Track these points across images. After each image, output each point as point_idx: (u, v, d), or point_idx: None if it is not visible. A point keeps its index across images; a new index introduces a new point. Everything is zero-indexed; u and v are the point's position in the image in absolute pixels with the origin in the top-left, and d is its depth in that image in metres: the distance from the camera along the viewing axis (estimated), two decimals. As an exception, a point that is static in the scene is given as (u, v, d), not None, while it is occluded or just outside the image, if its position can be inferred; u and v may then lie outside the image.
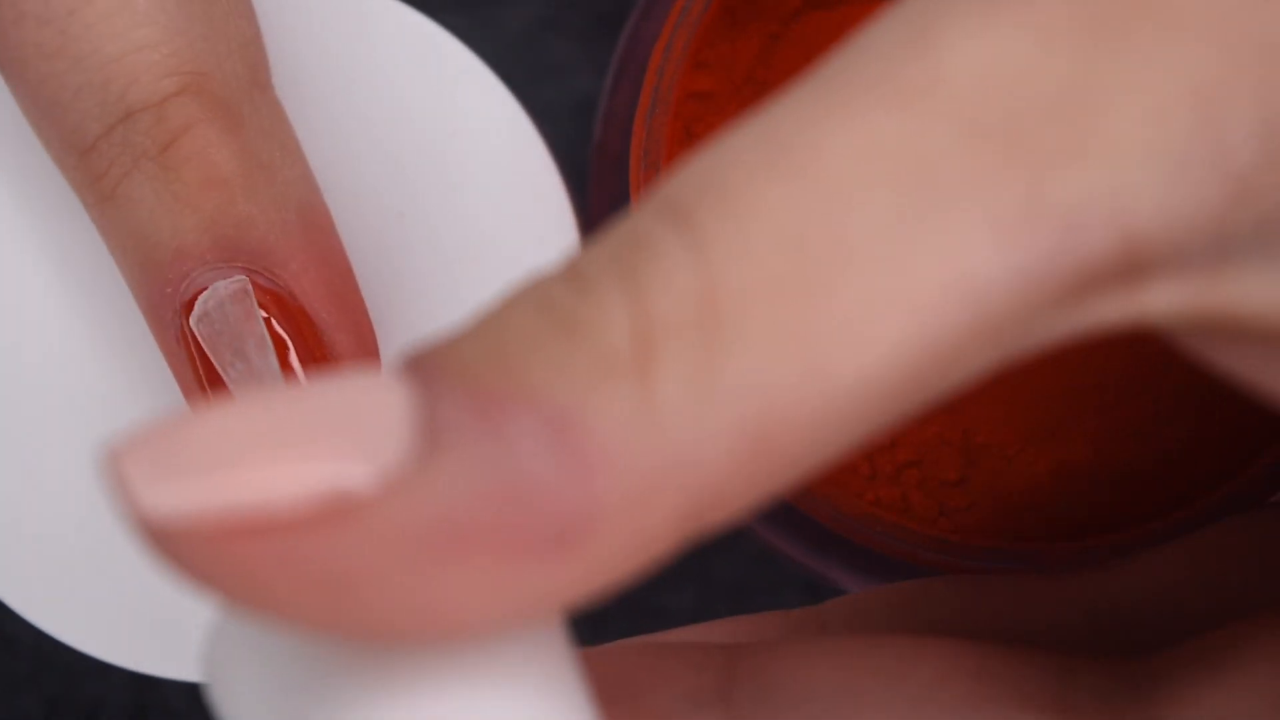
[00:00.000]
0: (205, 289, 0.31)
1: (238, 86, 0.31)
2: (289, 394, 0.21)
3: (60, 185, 0.34)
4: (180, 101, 0.31)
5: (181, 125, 0.31)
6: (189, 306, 0.31)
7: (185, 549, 0.20)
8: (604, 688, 0.26)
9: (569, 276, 0.21)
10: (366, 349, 0.32)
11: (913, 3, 0.22)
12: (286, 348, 0.31)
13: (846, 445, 0.21)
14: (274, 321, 0.31)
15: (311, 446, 0.20)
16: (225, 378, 0.31)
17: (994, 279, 0.21)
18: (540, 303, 0.21)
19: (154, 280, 0.31)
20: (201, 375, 0.31)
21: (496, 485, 0.20)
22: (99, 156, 0.31)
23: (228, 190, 0.31)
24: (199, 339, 0.31)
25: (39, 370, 0.34)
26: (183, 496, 0.20)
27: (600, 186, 0.35)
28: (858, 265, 0.20)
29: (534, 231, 0.34)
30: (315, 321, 0.31)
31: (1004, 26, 0.21)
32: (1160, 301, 0.22)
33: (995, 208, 0.21)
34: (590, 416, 0.20)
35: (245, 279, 0.31)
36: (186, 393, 0.32)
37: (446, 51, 0.35)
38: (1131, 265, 0.21)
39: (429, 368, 0.21)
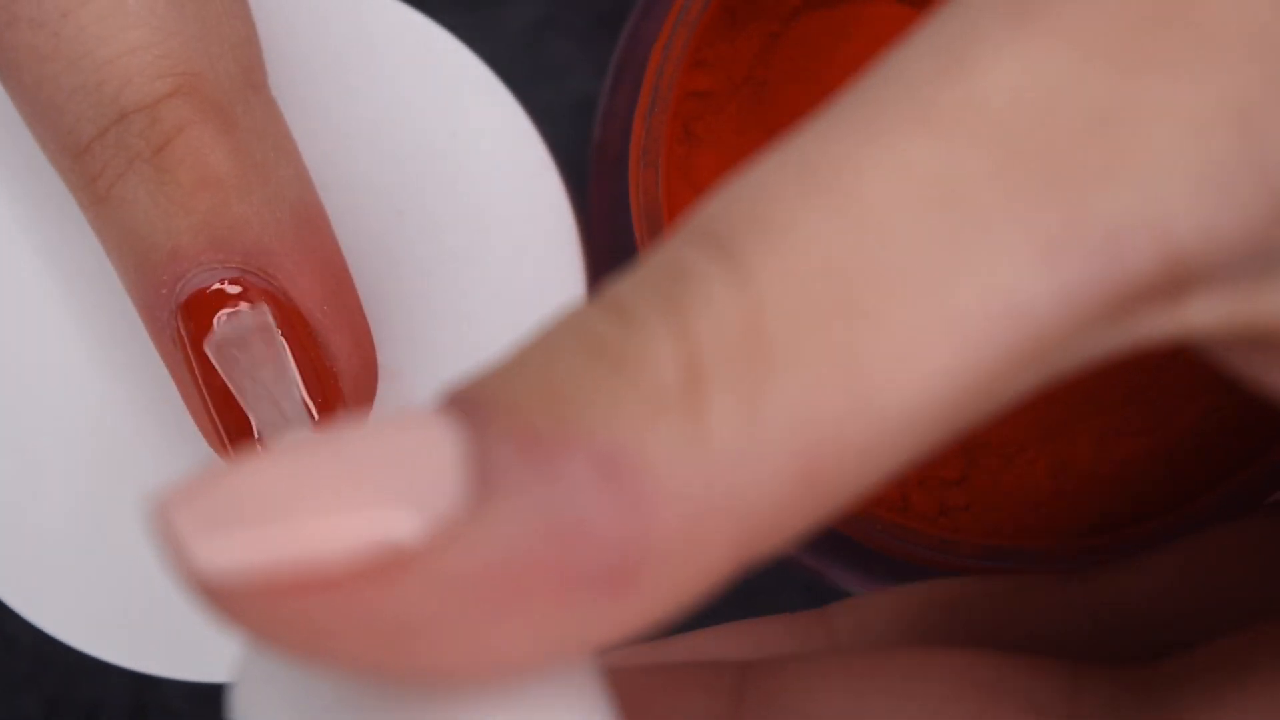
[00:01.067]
0: (205, 289, 0.31)
1: (231, 87, 0.31)
2: (336, 437, 0.21)
3: (59, 185, 0.34)
4: (173, 103, 0.31)
5: (175, 127, 0.31)
6: (184, 308, 0.31)
7: (238, 604, 0.20)
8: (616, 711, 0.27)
9: (611, 310, 0.21)
10: (362, 349, 0.32)
11: (943, 23, 0.22)
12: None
13: (896, 469, 0.21)
14: (272, 322, 0.31)
15: (363, 496, 0.20)
16: (243, 403, 0.31)
17: (1039, 301, 0.21)
18: (584, 338, 0.21)
19: (149, 281, 0.31)
20: (197, 376, 0.31)
21: (552, 528, 0.20)
22: (93, 158, 0.31)
23: (221, 191, 0.31)
24: (213, 363, 0.31)
25: (39, 370, 0.34)
26: (235, 552, 0.20)
27: (600, 185, 0.35)
28: (902, 293, 0.20)
29: (533, 230, 0.34)
30: (310, 321, 0.31)
31: (1039, 46, 0.21)
32: (1203, 316, 0.22)
33: (1038, 230, 0.21)
34: (642, 454, 0.20)
35: (267, 310, 0.31)
36: (183, 393, 0.32)
37: (446, 51, 0.35)
38: (1174, 281, 0.21)
39: (477, 407, 0.21)
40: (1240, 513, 0.32)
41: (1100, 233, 0.21)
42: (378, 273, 0.34)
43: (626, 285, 0.21)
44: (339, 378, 0.32)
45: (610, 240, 0.35)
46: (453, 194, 0.34)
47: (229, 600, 0.20)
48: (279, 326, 0.31)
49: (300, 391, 0.31)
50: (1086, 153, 0.21)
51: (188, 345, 0.31)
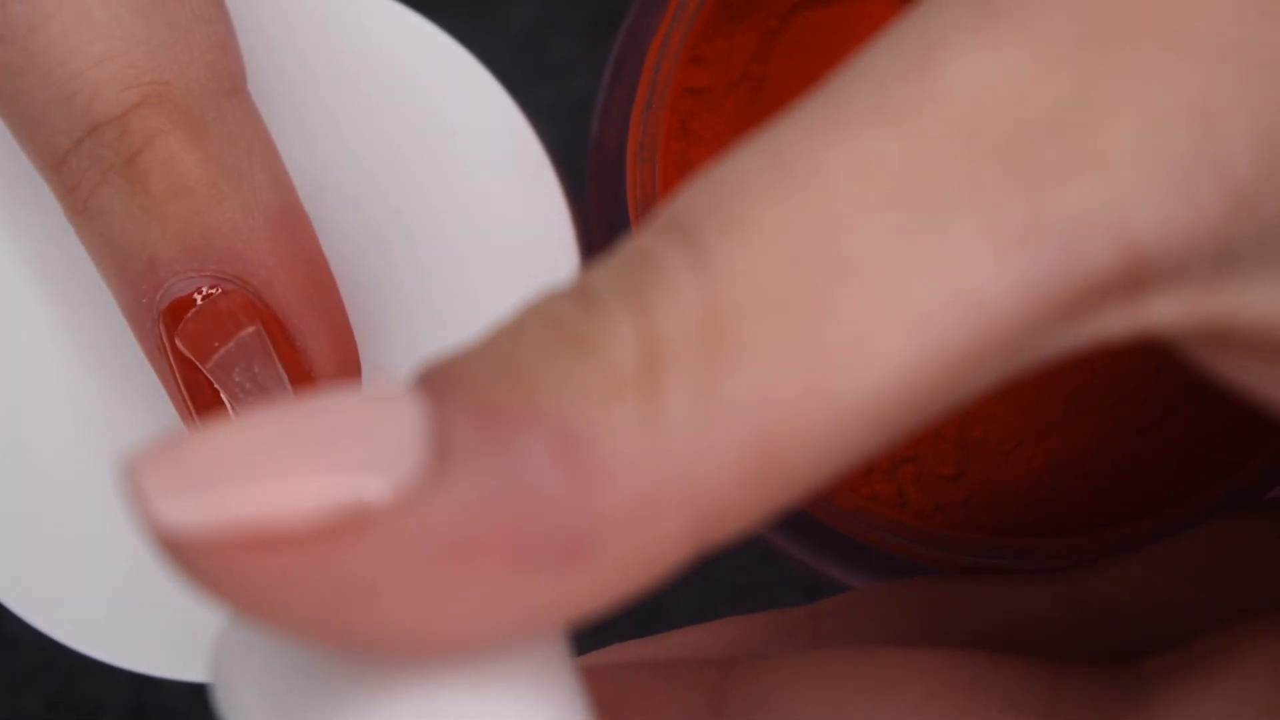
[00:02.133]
0: (184, 297, 0.31)
1: (202, 93, 0.31)
2: (302, 406, 0.21)
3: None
4: (142, 113, 0.31)
5: (144, 137, 0.31)
6: (166, 315, 0.31)
7: (200, 561, 0.20)
8: (597, 709, 0.27)
9: (577, 294, 0.21)
10: (343, 354, 0.32)
11: (911, 22, 0.22)
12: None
13: (854, 459, 0.21)
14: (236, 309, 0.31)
15: (325, 460, 0.21)
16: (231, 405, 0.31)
17: (997, 294, 0.21)
18: (549, 319, 0.21)
19: (130, 290, 0.31)
20: (180, 383, 0.31)
21: (505, 499, 0.20)
22: (69, 170, 0.31)
23: (193, 200, 0.31)
24: (193, 366, 0.31)
25: (38, 371, 0.34)
26: (198, 510, 0.20)
27: (598, 182, 0.35)
28: (859, 282, 0.21)
29: (530, 229, 0.34)
30: (286, 327, 0.31)
31: (1003, 43, 0.21)
32: (1164, 312, 0.22)
33: (996, 223, 0.21)
34: (596, 432, 0.21)
35: (259, 328, 0.31)
36: (172, 397, 0.32)
37: (442, 51, 0.35)
38: (1135, 277, 0.21)
39: (440, 382, 0.21)
40: (1235, 510, 0.32)
41: (1059, 229, 0.21)
42: (375, 272, 0.34)
43: (595, 272, 0.22)
44: (315, 382, 0.32)
45: (608, 238, 0.35)
46: (449, 193, 0.34)
47: (190, 556, 0.20)
48: (254, 331, 0.31)
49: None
50: (1046, 149, 0.21)
51: (170, 352, 0.31)
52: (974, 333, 0.21)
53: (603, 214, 0.35)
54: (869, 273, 0.21)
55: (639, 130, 0.33)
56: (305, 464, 0.21)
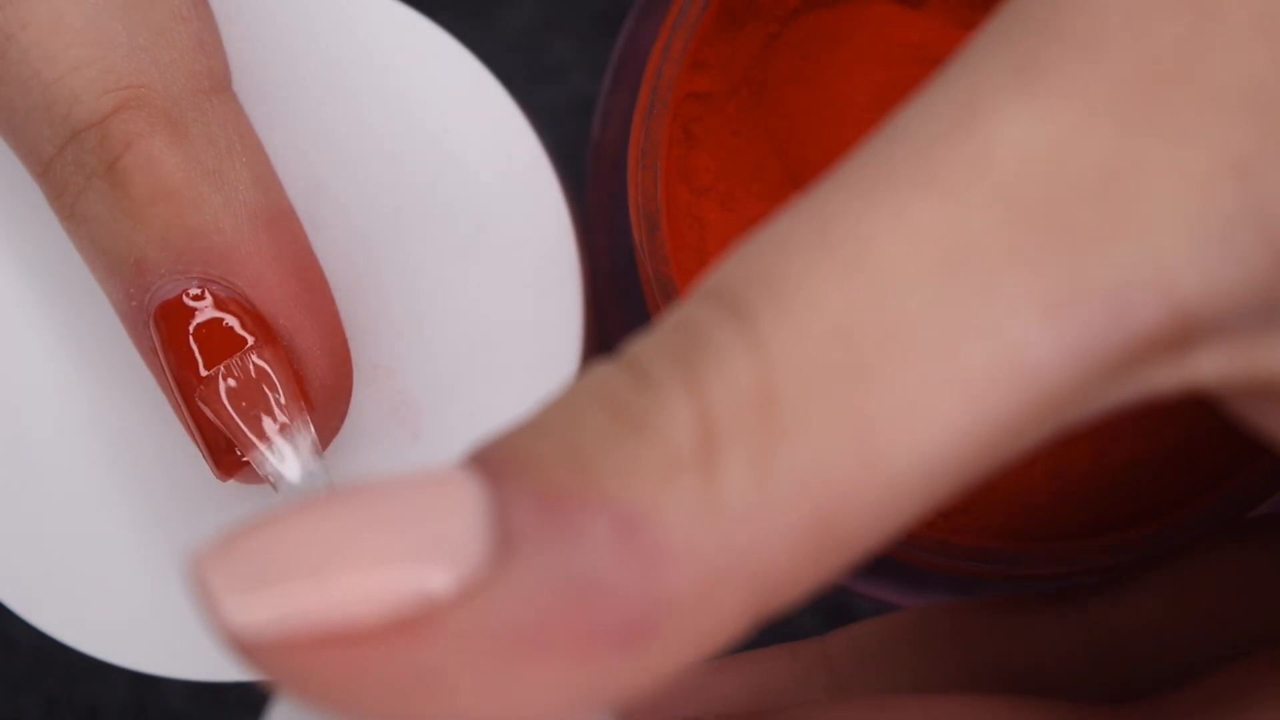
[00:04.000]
0: (173, 299, 0.31)
1: (181, 94, 0.31)
2: (363, 493, 0.21)
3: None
4: (121, 117, 0.31)
5: (124, 141, 0.31)
6: (156, 316, 0.31)
7: (270, 658, 0.21)
8: None
9: (629, 368, 0.21)
10: (333, 352, 0.32)
11: (949, 83, 0.22)
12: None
13: (907, 522, 0.22)
14: (237, 325, 0.31)
15: (390, 552, 0.21)
16: (252, 444, 0.31)
17: (1045, 358, 0.21)
18: (602, 396, 0.21)
19: (120, 293, 0.31)
20: (173, 387, 0.31)
21: (570, 588, 0.21)
22: (55, 176, 0.31)
23: (175, 202, 0.31)
24: (225, 408, 0.31)
25: (38, 371, 0.34)
26: (266, 609, 0.21)
27: (598, 186, 0.35)
28: (908, 351, 0.21)
29: (529, 229, 0.34)
30: (273, 325, 0.31)
31: (1044, 106, 0.21)
32: (1209, 367, 0.22)
33: (1043, 288, 0.21)
34: (657, 515, 0.21)
35: (313, 440, 0.31)
36: (167, 396, 0.32)
37: (443, 50, 0.35)
38: (1180, 334, 0.22)
39: (498, 464, 0.21)
40: (1233, 517, 0.32)
41: (1104, 290, 0.21)
42: (374, 271, 0.34)
43: (645, 345, 0.22)
44: (305, 381, 0.32)
45: (608, 240, 0.35)
46: (449, 192, 0.34)
47: (262, 655, 0.21)
48: (245, 331, 0.31)
49: (312, 437, 0.31)
50: (1090, 211, 0.21)
51: (162, 353, 0.31)
52: (1024, 396, 0.21)
53: (603, 217, 0.35)
54: (918, 341, 0.21)
55: (640, 135, 0.33)
56: (371, 558, 0.21)
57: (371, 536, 0.21)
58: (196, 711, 0.44)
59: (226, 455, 0.31)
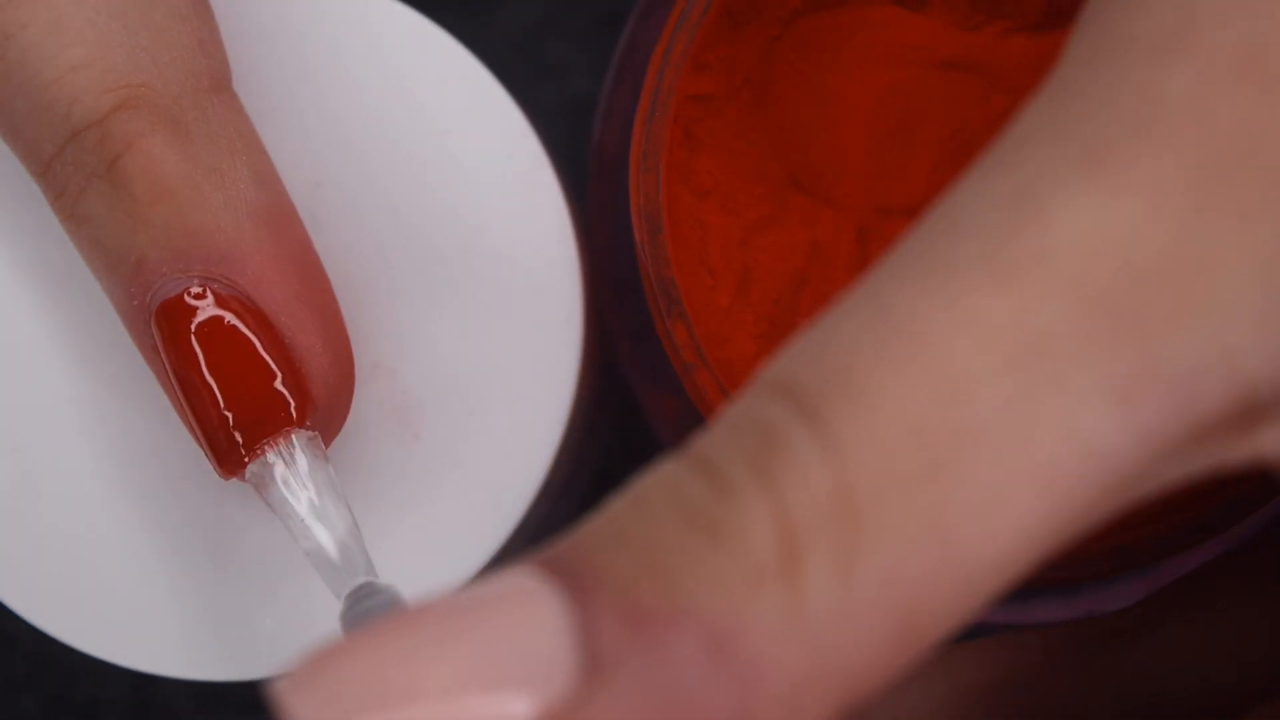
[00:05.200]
0: (174, 298, 0.31)
1: (181, 94, 0.31)
2: (443, 613, 0.21)
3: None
4: (121, 116, 0.31)
5: (124, 141, 0.31)
6: (157, 316, 0.31)
7: None
8: None
9: (704, 474, 0.21)
10: (335, 350, 0.32)
11: (1009, 171, 0.22)
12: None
13: (982, 607, 0.22)
14: (239, 325, 0.31)
15: (475, 679, 0.21)
16: (287, 524, 0.31)
17: (1117, 444, 0.21)
18: (680, 504, 0.21)
19: (122, 292, 0.31)
20: (175, 386, 0.31)
21: (664, 706, 0.20)
22: (55, 176, 0.31)
23: (175, 201, 0.31)
24: (264, 500, 0.31)
25: (38, 370, 0.34)
26: None
27: (599, 187, 0.35)
28: (982, 449, 0.21)
29: (529, 229, 0.34)
30: (275, 323, 0.31)
31: (1107, 193, 0.21)
32: (1276, 441, 0.22)
33: (1112, 377, 0.21)
34: (744, 627, 0.21)
35: (315, 438, 0.31)
36: (168, 395, 0.32)
37: (443, 50, 0.35)
38: (1247, 412, 0.22)
39: (579, 578, 0.21)
40: (1235, 519, 0.32)
41: (1173, 375, 0.21)
42: (373, 271, 0.34)
43: (715, 445, 0.22)
44: (309, 378, 0.32)
45: (609, 241, 0.35)
46: (447, 192, 0.34)
47: None
48: (246, 329, 0.31)
49: (349, 512, 0.31)
50: (1157, 297, 0.21)
51: (164, 352, 0.31)
52: (1096, 482, 0.21)
53: (603, 219, 0.35)
54: (991, 437, 0.21)
55: (641, 138, 0.33)
56: (457, 684, 0.20)
57: (455, 660, 0.21)
58: (196, 711, 0.44)
59: (230, 454, 0.31)
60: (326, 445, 0.32)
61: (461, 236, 0.34)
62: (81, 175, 0.31)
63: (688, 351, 0.32)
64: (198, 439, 0.32)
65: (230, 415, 0.31)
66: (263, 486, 0.31)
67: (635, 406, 0.35)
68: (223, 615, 0.34)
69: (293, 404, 0.31)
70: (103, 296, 0.34)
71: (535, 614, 0.21)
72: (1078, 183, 0.21)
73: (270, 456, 0.31)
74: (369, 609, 0.29)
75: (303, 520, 0.31)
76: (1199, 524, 0.32)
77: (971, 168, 0.22)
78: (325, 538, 0.31)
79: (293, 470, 0.31)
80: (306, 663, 0.21)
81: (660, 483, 0.22)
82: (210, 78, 0.32)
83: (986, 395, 0.21)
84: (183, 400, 0.31)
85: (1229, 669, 0.29)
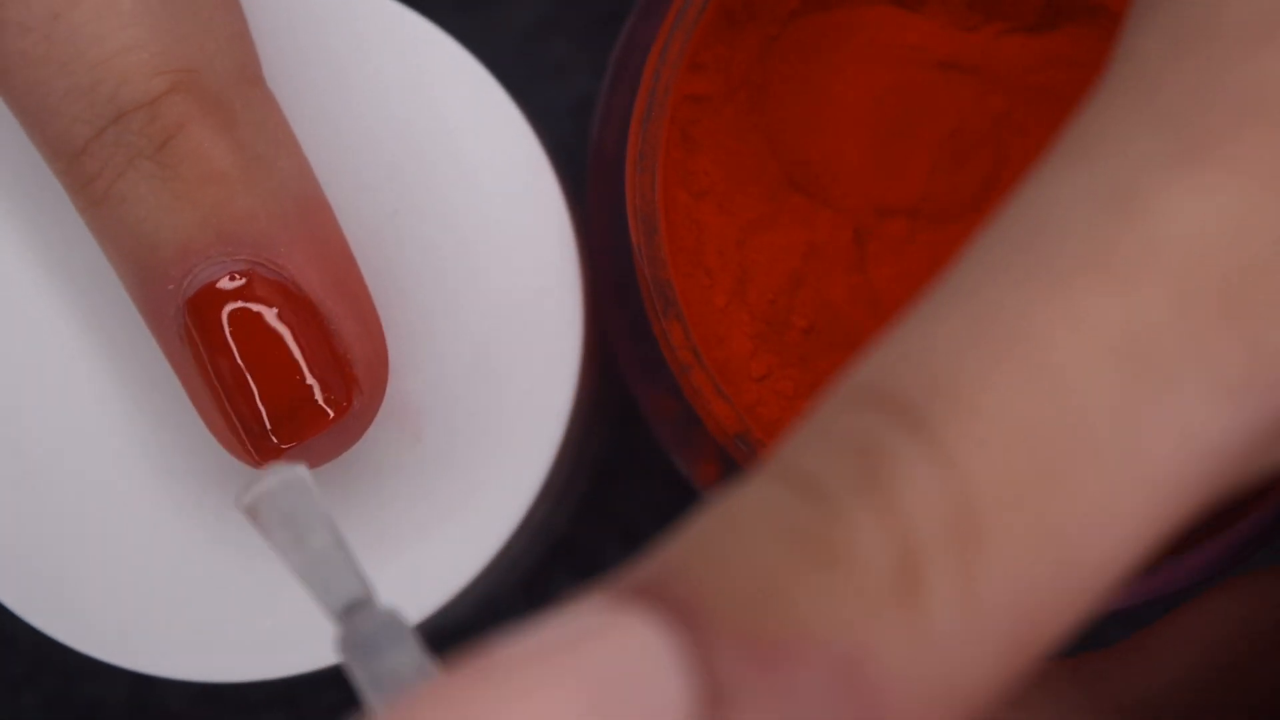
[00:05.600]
0: (213, 283, 0.31)
1: (229, 82, 0.31)
2: (551, 654, 0.20)
3: (55, 187, 0.34)
4: (173, 99, 0.31)
5: (176, 123, 0.31)
6: (192, 302, 0.31)
7: None
8: None
9: (809, 495, 0.21)
10: (372, 336, 0.32)
11: (1101, 161, 0.22)
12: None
13: (1094, 609, 0.21)
14: (280, 314, 0.31)
15: None
16: (286, 560, 0.31)
17: (1225, 441, 0.21)
18: (784, 527, 0.20)
19: (155, 278, 0.31)
20: (208, 370, 0.31)
21: None
22: (91, 158, 0.31)
23: (226, 185, 0.31)
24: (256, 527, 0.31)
25: (38, 370, 0.34)
26: None
27: (597, 187, 0.35)
28: (1097, 453, 0.20)
29: (529, 229, 0.34)
30: (320, 311, 0.31)
31: (1214, 184, 0.21)
32: None
33: (1220, 374, 0.21)
34: (870, 652, 0.20)
35: (304, 469, 0.31)
36: (190, 391, 0.32)
37: (442, 51, 0.35)
38: None
39: (692, 611, 0.20)
40: (1246, 522, 0.32)
41: (1278, 367, 0.21)
42: (374, 272, 0.34)
43: (813, 459, 0.21)
44: (354, 364, 0.32)
45: (609, 241, 0.35)
46: (447, 193, 0.34)
47: None
48: (288, 318, 0.31)
49: (357, 568, 0.31)
50: (1264, 289, 0.21)
51: (197, 340, 0.31)
52: (1204, 478, 0.21)
53: (603, 218, 0.35)
54: (1105, 441, 0.20)
55: (638, 138, 0.33)
56: None
57: (575, 706, 0.19)
58: (196, 711, 0.44)
59: (264, 440, 0.31)
60: (360, 436, 0.32)
61: (460, 237, 0.34)
62: (123, 157, 0.31)
63: (684, 352, 0.32)
64: (226, 426, 0.31)
65: (267, 406, 0.31)
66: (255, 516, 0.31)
67: (634, 406, 0.35)
68: (223, 615, 0.34)
69: (336, 391, 0.31)
70: (106, 297, 0.34)
71: (643, 649, 0.20)
72: (1182, 176, 0.21)
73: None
74: (373, 636, 0.28)
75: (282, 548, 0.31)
76: (1210, 524, 0.32)
77: (1048, 159, 0.22)
78: (303, 559, 0.31)
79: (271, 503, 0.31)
80: (404, 706, 0.20)
81: (757, 503, 0.21)
82: (251, 69, 0.32)
83: (1099, 398, 0.20)
84: (218, 387, 0.31)
85: (1228, 681, 0.29)
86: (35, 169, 0.34)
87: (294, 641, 0.34)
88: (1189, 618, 0.30)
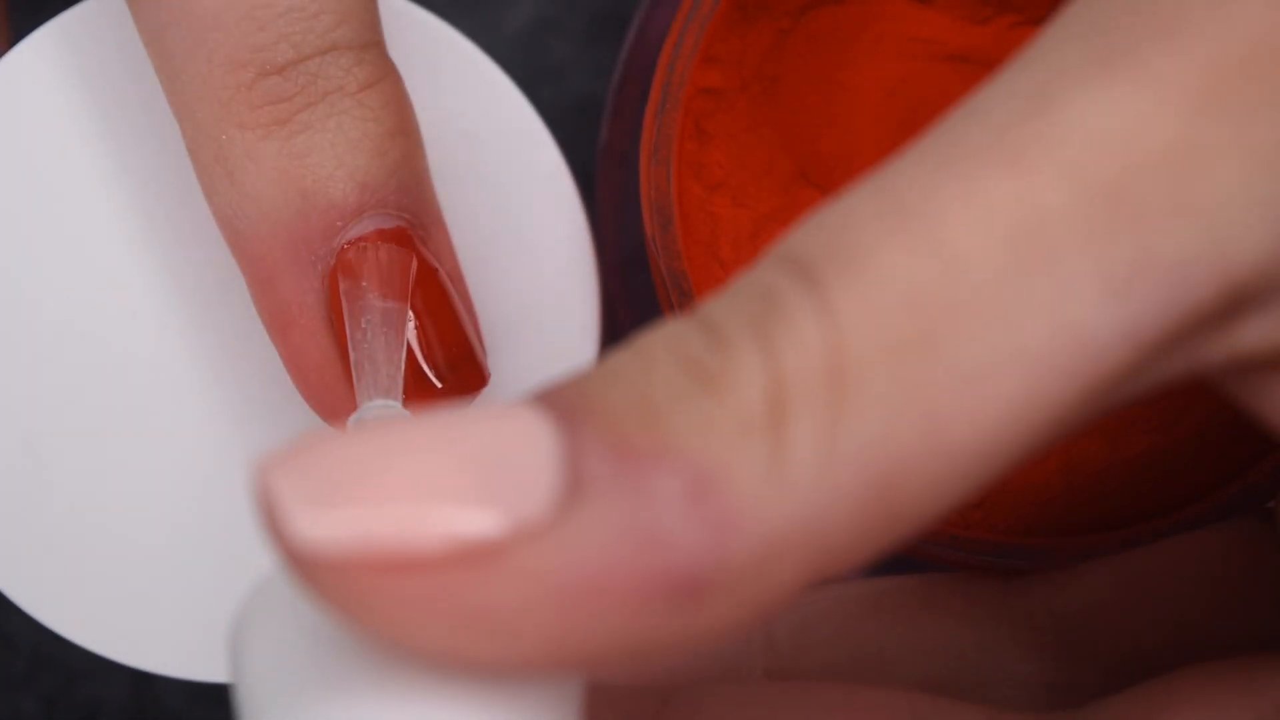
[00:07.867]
0: (385, 230, 0.31)
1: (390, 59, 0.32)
2: (439, 424, 0.21)
3: (57, 181, 0.34)
4: (377, 52, 0.31)
5: (379, 71, 0.31)
6: (346, 249, 0.31)
7: (328, 578, 0.21)
8: None
9: (705, 328, 0.22)
10: (473, 316, 0.33)
11: (1028, 67, 0.23)
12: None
13: (962, 498, 0.22)
14: (444, 276, 0.32)
15: (462, 484, 0.21)
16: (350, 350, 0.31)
17: (1106, 336, 0.21)
18: (678, 353, 0.22)
19: (321, 212, 0.31)
20: (342, 316, 0.31)
21: (636, 539, 0.21)
22: (285, 80, 0.31)
23: (410, 142, 0.32)
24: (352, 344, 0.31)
25: (41, 367, 0.34)
26: (334, 527, 0.21)
27: (607, 182, 0.35)
28: (974, 326, 0.21)
29: (547, 229, 0.34)
30: (445, 287, 0.32)
31: (1120, 87, 0.22)
32: (1254, 337, 0.23)
33: (1106, 266, 0.21)
34: (726, 475, 0.21)
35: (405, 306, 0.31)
36: (304, 341, 0.32)
37: (459, 53, 0.35)
38: (1231, 305, 0.22)
39: (572, 410, 0.21)
40: (1247, 510, 0.32)
41: (1164, 269, 0.21)
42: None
43: (718, 305, 0.22)
44: (475, 350, 0.32)
45: (617, 237, 0.35)
46: (464, 194, 0.34)
47: (320, 573, 0.21)
48: (425, 290, 0.31)
49: (399, 373, 0.31)
50: (1154, 191, 0.22)
51: (334, 286, 0.31)
52: (1083, 373, 0.22)
53: (612, 214, 0.35)
54: (984, 315, 0.21)
55: (653, 131, 0.33)
56: (444, 490, 0.21)
57: (446, 467, 0.21)
58: (196, 711, 0.44)
59: (426, 382, 0.32)
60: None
61: (478, 236, 0.34)
62: (319, 88, 0.31)
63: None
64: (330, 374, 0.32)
65: (444, 351, 0.32)
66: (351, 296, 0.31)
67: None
68: (223, 615, 0.34)
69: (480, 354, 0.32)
70: (115, 289, 0.33)
71: (521, 435, 0.21)
72: (1091, 75, 0.22)
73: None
74: (374, 417, 0.29)
75: (364, 330, 0.31)
76: (1211, 515, 0.33)
77: (999, 69, 0.23)
78: (374, 349, 0.31)
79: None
80: (292, 446, 0.21)
81: (662, 335, 0.22)
82: None
83: (981, 272, 0.21)
84: (347, 332, 0.31)
85: (1149, 617, 0.30)
86: (36, 163, 0.34)
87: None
88: (1136, 557, 0.31)
